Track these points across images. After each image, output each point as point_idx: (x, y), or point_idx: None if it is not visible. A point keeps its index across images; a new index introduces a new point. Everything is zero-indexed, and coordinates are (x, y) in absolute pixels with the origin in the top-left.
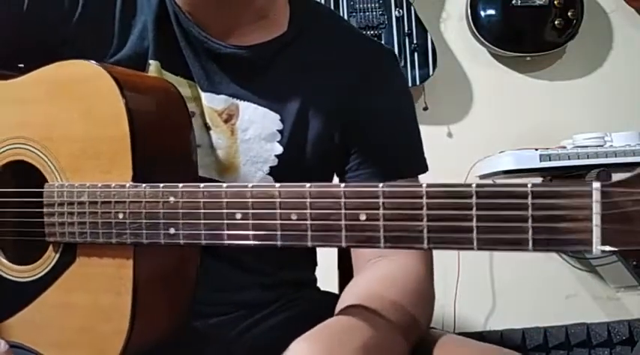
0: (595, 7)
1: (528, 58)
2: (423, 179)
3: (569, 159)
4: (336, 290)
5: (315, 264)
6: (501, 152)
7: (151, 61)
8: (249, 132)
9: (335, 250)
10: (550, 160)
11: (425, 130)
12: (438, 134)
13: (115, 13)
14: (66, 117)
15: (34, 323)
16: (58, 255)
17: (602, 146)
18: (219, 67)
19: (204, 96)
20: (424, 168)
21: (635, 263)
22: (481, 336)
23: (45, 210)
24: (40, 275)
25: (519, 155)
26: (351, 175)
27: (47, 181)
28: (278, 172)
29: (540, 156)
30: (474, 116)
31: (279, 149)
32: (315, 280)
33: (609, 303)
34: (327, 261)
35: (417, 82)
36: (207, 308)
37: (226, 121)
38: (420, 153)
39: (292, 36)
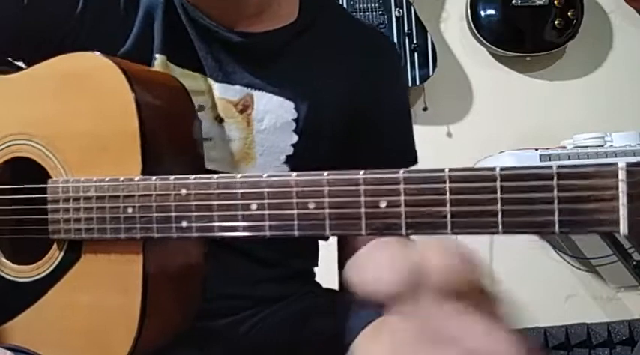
0: (595, 7)
1: (528, 58)
2: None
3: (569, 159)
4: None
5: (317, 257)
6: (501, 152)
7: (156, 55)
8: (264, 122)
9: (334, 250)
10: (550, 160)
11: (425, 130)
12: (438, 134)
13: (119, 6)
14: (72, 111)
15: (37, 324)
16: (62, 253)
17: (602, 146)
18: (232, 58)
19: (219, 88)
20: (416, 159)
21: (635, 263)
22: None
23: (49, 206)
24: (43, 274)
25: (519, 155)
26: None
27: (50, 177)
28: (294, 161)
29: (540, 156)
30: (474, 116)
31: (294, 138)
32: (315, 275)
33: (609, 303)
34: (327, 260)
35: (417, 82)
36: (221, 303)
37: (242, 112)
38: (414, 143)
39: (303, 24)
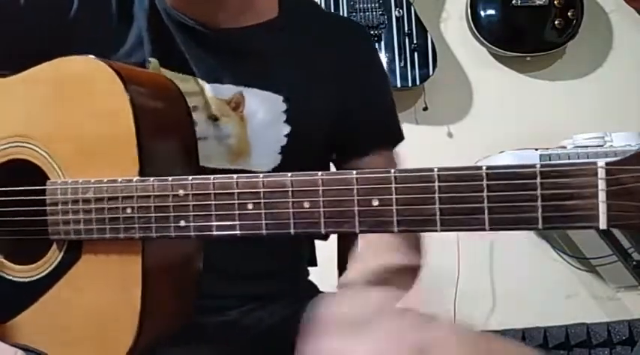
0: (595, 7)
1: (528, 58)
2: None
3: (569, 159)
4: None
5: (311, 255)
6: (501, 152)
7: (150, 59)
8: (257, 117)
9: (334, 250)
10: (550, 160)
11: (425, 130)
12: (438, 134)
13: (112, 12)
14: (69, 113)
15: (39, 322)
16: (62, 253)
17: (602, 146)
18: (220, 58)
19: (210, 88)
20: (400, 139)
21: (635, 263)
22: None
23: (48, 208)
24: (43, 274)
25: (519, 155)
26: (346, 146)
27: (49, 179)
28: (288, 150)
29: (540, 156)
30: (474, 116)
31: (287, 128)
32: (308, 274)
33: (609, 303)
34: (327, 261)
35: (417, 82)
36: (210, 301)
37: (235, 109)
38: (397, 125)
39: (283, 20)
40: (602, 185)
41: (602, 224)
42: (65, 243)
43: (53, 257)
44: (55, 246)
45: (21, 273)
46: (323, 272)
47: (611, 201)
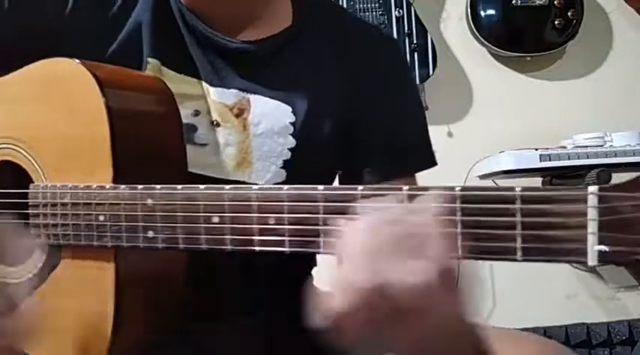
0: (595, 7)
1: (528, 58)
2: (427, 178)
3: (569, 159)
4: None
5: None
6: (501, 152)
7: (149, 59)
8: (261, 127)
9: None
10: (550, 160)
11: None
12: (438, 134)
13: (113, 7)
14: (49, 116)
15: None
16: (44, 257)
17: (602, 146)
18: (228, 62)
19: (214, 92)
20: (429, 163)
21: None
22: None
23: (30, 211)
24: (28, 276)
25: (519, 155)
26: (358, 171)
27: (33, 181)
28: (292, 165)
29: (540, 156)
30: (474, 116)
31: (292, 142)
32: (312, 278)
33: (609, 303)
34: (327, 260)
35: (417, 82)
36: (202, 308)
37: (238, 116)
38: (425, 147)
39: (298, 29)
40: (592, 214)
41: (592, 259)
42: (47, 247)
43: (37, 260)
44: (39, 249)
45: (9, 274)
46: (322, 272)
47: (603, 232)
